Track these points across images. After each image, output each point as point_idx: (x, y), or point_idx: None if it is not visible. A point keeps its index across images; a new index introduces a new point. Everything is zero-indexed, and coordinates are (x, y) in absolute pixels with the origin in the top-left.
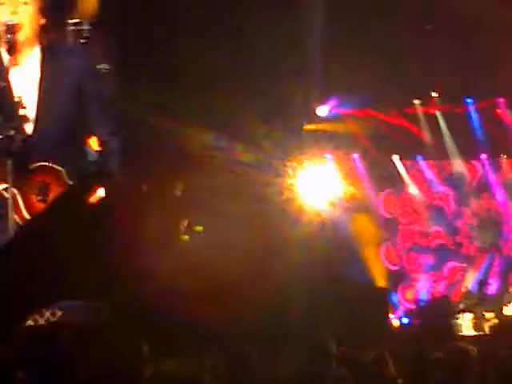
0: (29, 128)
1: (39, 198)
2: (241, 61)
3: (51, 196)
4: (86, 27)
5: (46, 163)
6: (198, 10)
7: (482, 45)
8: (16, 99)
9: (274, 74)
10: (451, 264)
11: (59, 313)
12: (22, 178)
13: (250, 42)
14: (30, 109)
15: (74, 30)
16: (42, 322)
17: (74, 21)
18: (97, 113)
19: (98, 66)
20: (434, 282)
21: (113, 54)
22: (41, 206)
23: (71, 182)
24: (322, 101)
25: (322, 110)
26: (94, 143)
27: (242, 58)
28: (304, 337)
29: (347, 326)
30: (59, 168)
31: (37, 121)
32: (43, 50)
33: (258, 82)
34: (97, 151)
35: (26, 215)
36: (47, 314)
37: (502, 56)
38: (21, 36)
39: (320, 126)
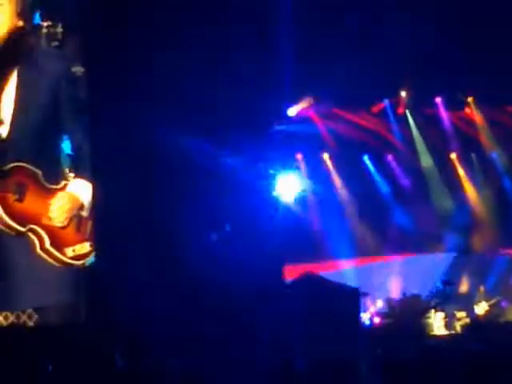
0: (4, 131)
1: (16, 197)
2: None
3: (28, 196)
4: (59, 30)
5: (23, 164)
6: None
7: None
8: None
9: (242, 77)
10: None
11: (36, 316)
12: None
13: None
14: (5, 112)
15: (47, 33)
16: (11, 318)
17: (47, 23)
18: (71, 117)
19: (73, 69)
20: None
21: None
22: (18, 205)
23: (48, 185)
24: (292, 101)
25: (292, 111)
26: (66, 147)
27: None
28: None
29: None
30: (36, 170)
31: (12, 124)
32: (20, 54)
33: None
34: (69, 155)
35: (3, 215)
36: (24, 317)
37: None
38: None
39: (291, 125)
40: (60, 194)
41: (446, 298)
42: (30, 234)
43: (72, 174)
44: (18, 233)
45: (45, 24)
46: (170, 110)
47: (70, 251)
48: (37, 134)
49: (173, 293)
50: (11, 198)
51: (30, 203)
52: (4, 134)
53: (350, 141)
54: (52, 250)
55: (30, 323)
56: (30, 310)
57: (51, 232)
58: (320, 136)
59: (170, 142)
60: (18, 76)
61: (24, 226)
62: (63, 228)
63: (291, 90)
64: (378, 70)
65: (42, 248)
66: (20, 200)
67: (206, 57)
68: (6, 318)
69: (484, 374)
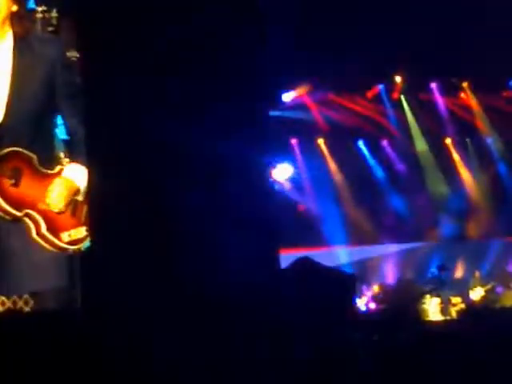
0: None
1: (11, 182)
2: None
3: (23, 181)
4: (54, 15)
5: (18, 148)
6: None
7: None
8: None
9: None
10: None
11: (31, 301)
12: None
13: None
14: (0, 96)
15: (42, 18)
16: (8, 304)
17: (42, 8)
18: (66, 102)
19: (68, 54)
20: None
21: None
22: (14, 190)
23: (43, 169)
24: (288, 88)
25: (287, 97)
26: (61, 132)
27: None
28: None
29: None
30: (31, 154)
31: (7, 109)
32: (15, 38)
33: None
34: (64, 140)
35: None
36: (20, 302)
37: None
38: None
39: (286, 111)
40: (57, 180)
41: (440, 283)
42: (26, 219)
43: (67, 159)
44: (15, 218)
45: (39, 9)
46: (166, 95)
47: (65, 236)
48: (32, 118)
49: (170, 279)
50: (7, 182)
51: (26, 188)
52: None
53: (344, 126)
54: (48, 235)
55: (27, 308)
56: (26, 296)
57: (47, 217)
58: (315, 122)
59: (166, 127)
60: (13, 61)
61: (20, 211)
62: (59, 213)
63: (287, 77)
64: (373, 56)
65: (38, 233)
66: (16, 185)
67: (201, 44)
68: (2, 303)
69: (480, 359)
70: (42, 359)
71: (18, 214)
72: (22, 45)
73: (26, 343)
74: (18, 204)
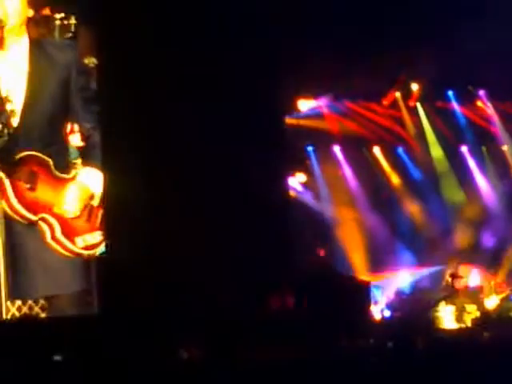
0: (15, 120)
1: (28, 186)
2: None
3: (39, 185)
4: (72, 22)
5: (35, 153)
6: None
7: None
8: (3, 94)
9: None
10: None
11: (42, 300)
12: (9, 166)
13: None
14: (16, 101)
15: (60, 25)
16: (24, 309)
17: (60, 15)
18: (81, 107)
19: (86, 60)
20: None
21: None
22: (30, 194)
23: (59, 174)
24: (304, 95)
25: (304, 105)
26: (75, 138)
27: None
28: None
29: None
30: (48, 159)
31: (23, 114)
32: (32, 43)
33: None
34: (79, 147)
35: (15, 203)
36: (36, 308)
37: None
38: (7, 30)
39: (301, 121)
40: (73, 185)
41: (453, 291)
42: (41, 223)
43: (81, 164)
44: (30, 221)
45: (58, 16)
46: (180, 99)
47: (80, 241)
48: (47, 122)
49: (186, 285)
50: (23, 186)
51: (42, 192)
52: (15, 123)
53: (360, 134)
54: (63, 239)
55: (43, 314)
56: (42, 301)
57: (62, 221)
58: (330, 129)
59: (179, 131)
60: (29, 65)
61: (35, 215)
62: (74, 218)
63: (302, 84)
64: (390, 63)
65: (53, 237)
66: (32, 189)
67: (216, 45)
68: (18, 309)
69: (492, 367)
70: (61, 364)
71: (34, 218)
72: (37, 49)
73: (42, 348)
74: (33, 208)
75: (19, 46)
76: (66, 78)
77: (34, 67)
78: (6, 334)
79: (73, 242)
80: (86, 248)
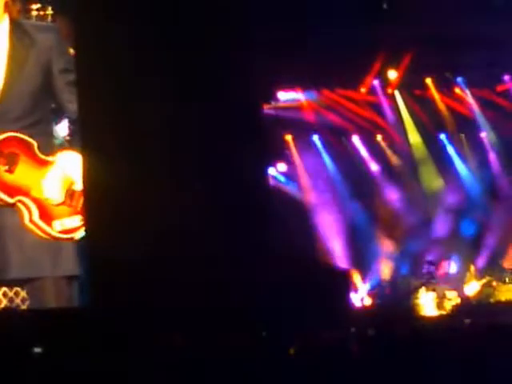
0: None
1: (6, 167)
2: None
3: (19, 166)
4: (49, 12)
5: (17, 134)
6: None
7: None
8: None
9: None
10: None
11: (23, 293)
12: None
13: None
14: None
15: (37, 15)
16: (5, 301)
17: (37, 6)
18: (65, 88)
19: (66, 46)
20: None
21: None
22: (7, 176)
23: (42, 156)
24: (283, 84)
25: (282, 95)
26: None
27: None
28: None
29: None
30: (31, 140)
31: (3, 93)
32: (11, 23)
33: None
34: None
35: None
36: (10, 294)
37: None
38: None
39: (280, 111)
40: (54, 171)
41: (430, 277)
42: (20, 205)
43: (66, 147)
44: (7, 204)
45: (34, 7)
46: (160, 84)
47: (58, 225)
48: (29, 102)
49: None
50: (1, 168)
51: (21, 175)
52: None
53: (338, 122)
54: (40, 223)
55: (23, 306)
56: (23, 293)
57: (40, 204)
58: (309, 118)
59: (162, 117)
60: (9, 44)
61: (12, 198)
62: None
63: (281, 75)
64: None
65: (31, 220)
66: (10, 171)
67: (192, 32)
68: (4, 294)
69: (475, 353)
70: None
71: (10, 200)
72: (17, 29)
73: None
74: (10, 190)
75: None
76: (46, 59)
77: (14, 45)
78: None
79: (50, 225)
80: (64, 232)
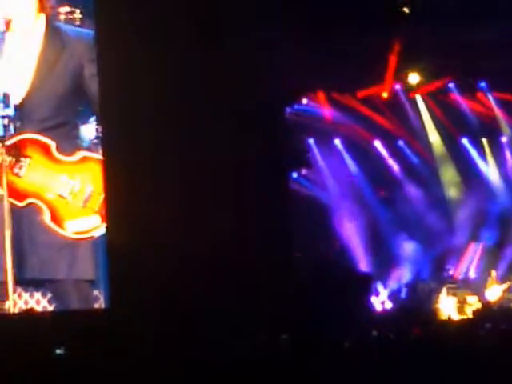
0: (17, 99)
1: (16, 171)
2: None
3: (32, 170)
4: (77, 16)
5: (33, 136)
6: None
7: None
8: (11, 75)
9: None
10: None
11: (49, 294)
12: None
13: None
14: (25, 77)
15: (66, 19)
16: (30, 303)
17: (65, 10)
18: (94, 93)
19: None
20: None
21: None
22: (18, 180)
23: (60, 156)
24: (304, 89)
25: (303, 99)
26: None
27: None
28: None
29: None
30: (49, 141)
31: (30, 92)
32: (48, 24)
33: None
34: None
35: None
36: (37, 295)
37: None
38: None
39: (302, 115)
40: (72, 169)
41: (451, 282)
42: (39, 203)
43: (91, 150)
44: (16, 207)
45: (63, 10)
46: (183, 88)
47: (70, 226)
48: (56, 103)
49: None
50: (12, 171)
51: (33, 178)
52: (18, 101)
53: (360, 126)
54: (52, 225)
55: (45, 302)
56: (49, 295)
57: (52, 207)
58: (331, 122)
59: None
60: (43, 45)
61: (21, 201)
62: (68, 202)
63: (303, 78)
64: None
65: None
66: (19, 175)
67: (218, 37)
68: (19, 296)
69: (495, 358)
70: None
71: (19, 204)
72: (52, 31)
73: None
74: (20, 195)
75: (35, 24)
76: (77, 64)
77: (46, 47)
78: (12, 327)
79: (62, 227)
80: (78, 233)
